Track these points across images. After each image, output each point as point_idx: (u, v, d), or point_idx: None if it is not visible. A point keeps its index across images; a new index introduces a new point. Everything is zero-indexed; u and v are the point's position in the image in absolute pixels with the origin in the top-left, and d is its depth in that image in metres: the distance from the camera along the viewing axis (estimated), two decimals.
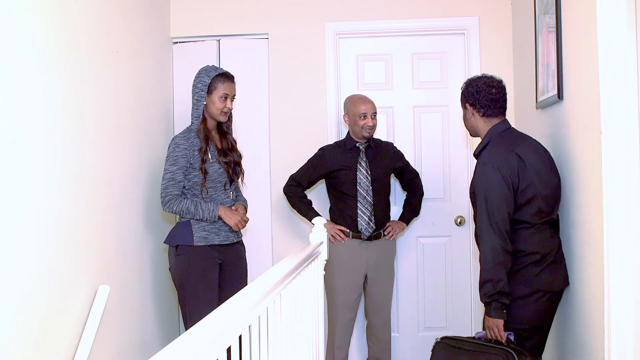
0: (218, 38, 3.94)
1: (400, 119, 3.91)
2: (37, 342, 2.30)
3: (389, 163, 3.52)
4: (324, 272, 2.79)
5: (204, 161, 3.01)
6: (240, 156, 3.23)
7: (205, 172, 3.01)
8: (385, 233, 3.49)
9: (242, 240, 3.26)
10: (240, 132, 3.83)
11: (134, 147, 3.24)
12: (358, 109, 3.40)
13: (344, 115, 3.52)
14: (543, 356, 2.64)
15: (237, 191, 3.25)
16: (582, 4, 2.32)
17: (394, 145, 3.67)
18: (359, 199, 3.39)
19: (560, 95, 2.63)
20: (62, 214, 2.48)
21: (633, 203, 2.03)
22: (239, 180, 3.25)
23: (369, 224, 3.40)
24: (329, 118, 3.86)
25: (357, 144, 3.46)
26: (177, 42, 3.95)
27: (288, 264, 2.12)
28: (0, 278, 2.10)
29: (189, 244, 2.99)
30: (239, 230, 3.13)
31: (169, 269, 3.10)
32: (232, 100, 3.10)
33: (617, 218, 2.05)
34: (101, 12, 2.89)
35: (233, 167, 3.15)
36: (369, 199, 3.39)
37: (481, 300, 2.47)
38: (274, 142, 3.89)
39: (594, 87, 2.17)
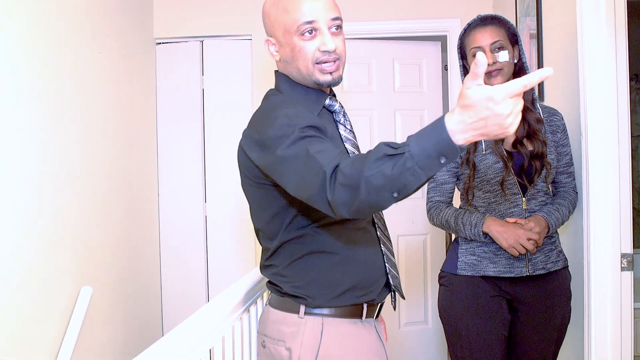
0: (201, 39, 3.93)
1: (381, 121, 3.94)
2: (19, 343, 2.28)
3: None
4: None
5: (469, 151, 2.08)
6: (544, 143, 2.06)
7: (473, 167, 2.07)
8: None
9: (554, 269, 2.11)
10: (222, 133, 3.83)
11: (117, 148, 3.22)
12: (292, 13, 1.52)
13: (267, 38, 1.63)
14: None
15: (536, 197, 2.09)
16: (562, 6, 2.35)
17: None
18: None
19: (541, 97, 2.66)
20: (43, 214, 2.46)
21: (611, 203, 2.05)
22: (540, 180, 2.07)
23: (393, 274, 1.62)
24: None
25: (326, 99, 1.63)
26: (160, 43, 3.93)
27: None
28: None
29: (451, 272, 2.12)
30: (520, 255, 2.02)
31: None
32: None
33: (596, 219, 2.07)
34: (84, 13, 2.88)
35: (529, 162, 2.05)
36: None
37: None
38: None
39: (574, 89, 2.20)
